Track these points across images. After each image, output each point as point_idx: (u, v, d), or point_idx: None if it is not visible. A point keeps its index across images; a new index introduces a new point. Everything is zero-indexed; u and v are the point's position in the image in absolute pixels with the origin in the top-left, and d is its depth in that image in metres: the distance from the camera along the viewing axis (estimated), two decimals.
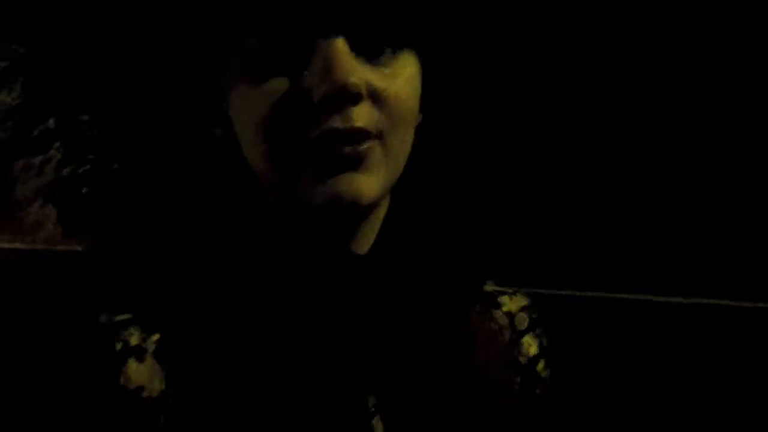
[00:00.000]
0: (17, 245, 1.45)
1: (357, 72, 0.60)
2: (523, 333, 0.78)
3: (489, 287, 0.80)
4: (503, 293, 0.80)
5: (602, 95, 1.32)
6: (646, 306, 1.38)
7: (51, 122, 1.17)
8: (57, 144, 1.14)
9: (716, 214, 1.33)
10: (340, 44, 0.60)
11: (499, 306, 0.79)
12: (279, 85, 0.61)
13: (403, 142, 0.66)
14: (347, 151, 0.61)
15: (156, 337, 0.64)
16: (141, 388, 0.63)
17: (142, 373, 0.63)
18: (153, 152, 0.77)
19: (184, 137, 0.71)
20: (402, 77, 0.64)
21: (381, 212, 0.70)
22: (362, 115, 0.61)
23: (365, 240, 0.69)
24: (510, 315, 0.78)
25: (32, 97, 1.12)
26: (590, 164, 1.36)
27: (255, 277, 0.67)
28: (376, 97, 0.62)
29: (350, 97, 0.60)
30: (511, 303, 0.79)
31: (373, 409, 0.65)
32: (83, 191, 1.16)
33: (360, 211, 0.64)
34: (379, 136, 0.63)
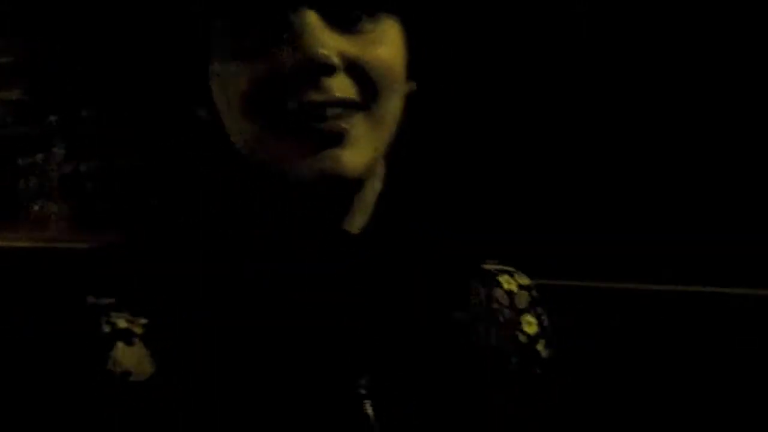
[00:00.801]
0: (21, 243, 1.44)
1: (328, 43, 0.60)
2: (523, 312, 0.78)
3: (489, 266, 0.80)
4: (503, 272, 0.80)
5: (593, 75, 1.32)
6: (633, 295, 1.38)
7: (53, 119, 1.17)
8: (59, 140, 1.14)
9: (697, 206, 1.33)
10: (311, 16, 0.60)
11: (499, 284, 0.78)
12: (255, 61, 0.61)
13: (389, 111, 0.65)
14: (327, 127, 0.61)
15: (144, 320, 0.63)
16: (129, 372, 0.61)
17: (130, 357, 0.62)
18: (151, 147, 0.77)
19: (178, 130, 0.71)
20: (382, 43, 0.63)
21: (373, 190, 0.70)
22: (339, 86, 0.61)
23: (358, 219, 0.69)
24: (510, 294, 0.78)
25: (34, 94, 1.12)
26: (583, 158, 1.36)
27: (247, 269, 0.67)
28: (354, 67, 0.62)
29: (323, 68, 0.60)
30: (512, 281, 0.79)
31: (364, 393, 0.65)
32: (87, 187, 1.16)
33: (346, 186, 0.64)
34: (363, 106, 0.62)
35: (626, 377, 1.31)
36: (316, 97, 0.60)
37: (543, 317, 0.80)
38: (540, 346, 0.79)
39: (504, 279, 0.79)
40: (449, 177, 0.75)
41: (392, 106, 0.65)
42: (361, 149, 0.63)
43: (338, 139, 0.61)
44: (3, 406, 0.60)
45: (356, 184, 0.65)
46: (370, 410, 0.65)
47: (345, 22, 0.62)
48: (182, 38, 0.66)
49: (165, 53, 0.68)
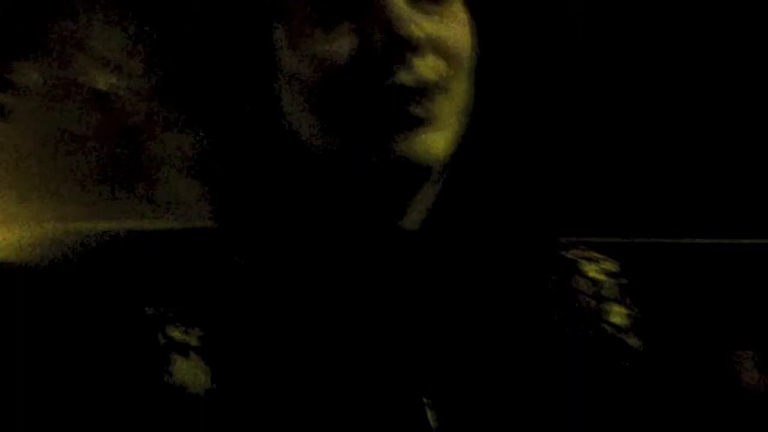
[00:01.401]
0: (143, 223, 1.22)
1: (416, 21, 0.58)
2: (609, 300, 0.72)
3: (570, 253, 0.74)
4: (587, 258, 0.73)
5: None
6: None
7: None
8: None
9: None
10: None
11: (580, 272, 0.73)
12: (337, 42, 0.59)
13: (467, 92, 0.63)
14: (416, 110, 0.59)
15: (200, 332, 0.62)
16: (185, 386, 0.60)
17: (186, 370, 0.61)
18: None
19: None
20: (459, 23, 0.62)
21: (436, 185, 0.66)
22: (427, 67, 0.59)
23: (417, 214, 0.65)
24: (594, 281, 0.72)
25: None
26: None
27: (303, 274, 0.64)
28: (437, 47, 0.60)
29: (412, 48, 0.58)
30: (595, 267, 0.73)
31: (428, 402, 0.62)
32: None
33: (430, 173, 0.61)
34: (445, 88, 0.60)
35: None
36: (405, 79, 0.58)
37: (634, 307, 0.73)
38: (630, 338, 0.72)
39: (586, 265, 0.73)
40: (518, 170, 0.70)
41: (469, 89, 0.63)
42: (447, 132, 0.61)
43: (427, 121, 0.59)
44: (57, 415, 0.61)
45: (436, 174, 0.63)
46: (433, 420, 0.62)
47: (425, 1, 0.60)
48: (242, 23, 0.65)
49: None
